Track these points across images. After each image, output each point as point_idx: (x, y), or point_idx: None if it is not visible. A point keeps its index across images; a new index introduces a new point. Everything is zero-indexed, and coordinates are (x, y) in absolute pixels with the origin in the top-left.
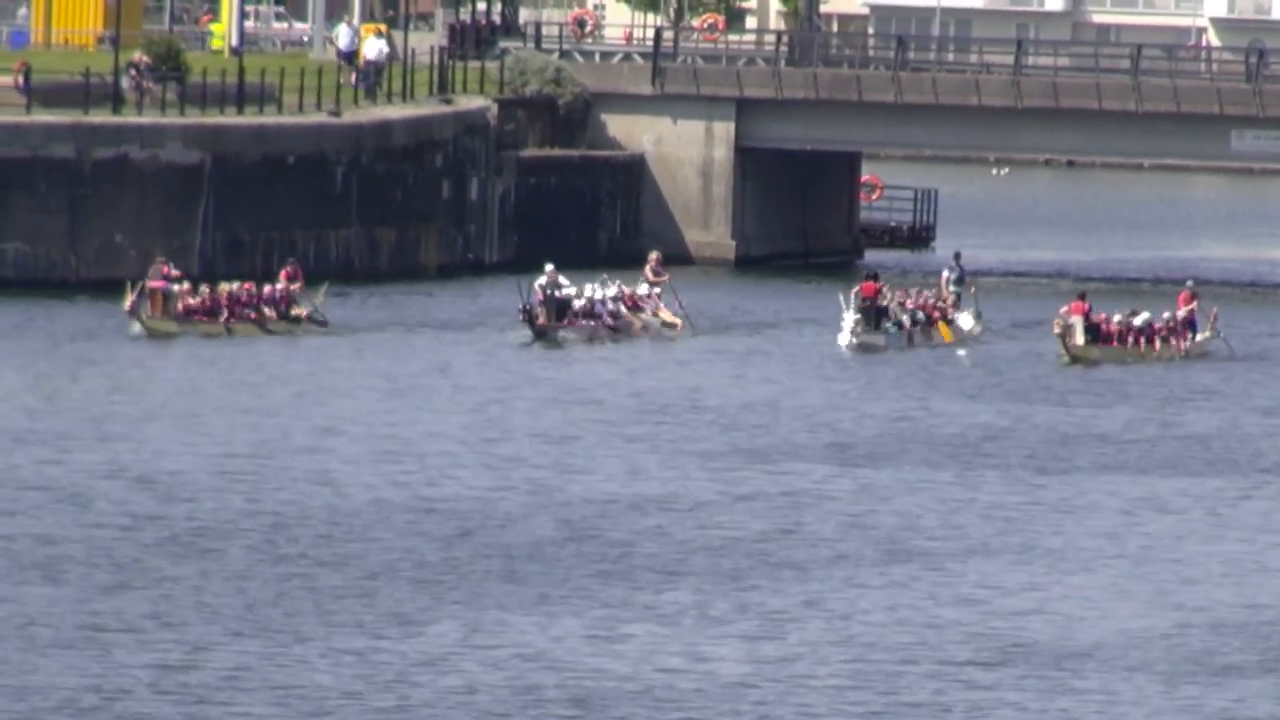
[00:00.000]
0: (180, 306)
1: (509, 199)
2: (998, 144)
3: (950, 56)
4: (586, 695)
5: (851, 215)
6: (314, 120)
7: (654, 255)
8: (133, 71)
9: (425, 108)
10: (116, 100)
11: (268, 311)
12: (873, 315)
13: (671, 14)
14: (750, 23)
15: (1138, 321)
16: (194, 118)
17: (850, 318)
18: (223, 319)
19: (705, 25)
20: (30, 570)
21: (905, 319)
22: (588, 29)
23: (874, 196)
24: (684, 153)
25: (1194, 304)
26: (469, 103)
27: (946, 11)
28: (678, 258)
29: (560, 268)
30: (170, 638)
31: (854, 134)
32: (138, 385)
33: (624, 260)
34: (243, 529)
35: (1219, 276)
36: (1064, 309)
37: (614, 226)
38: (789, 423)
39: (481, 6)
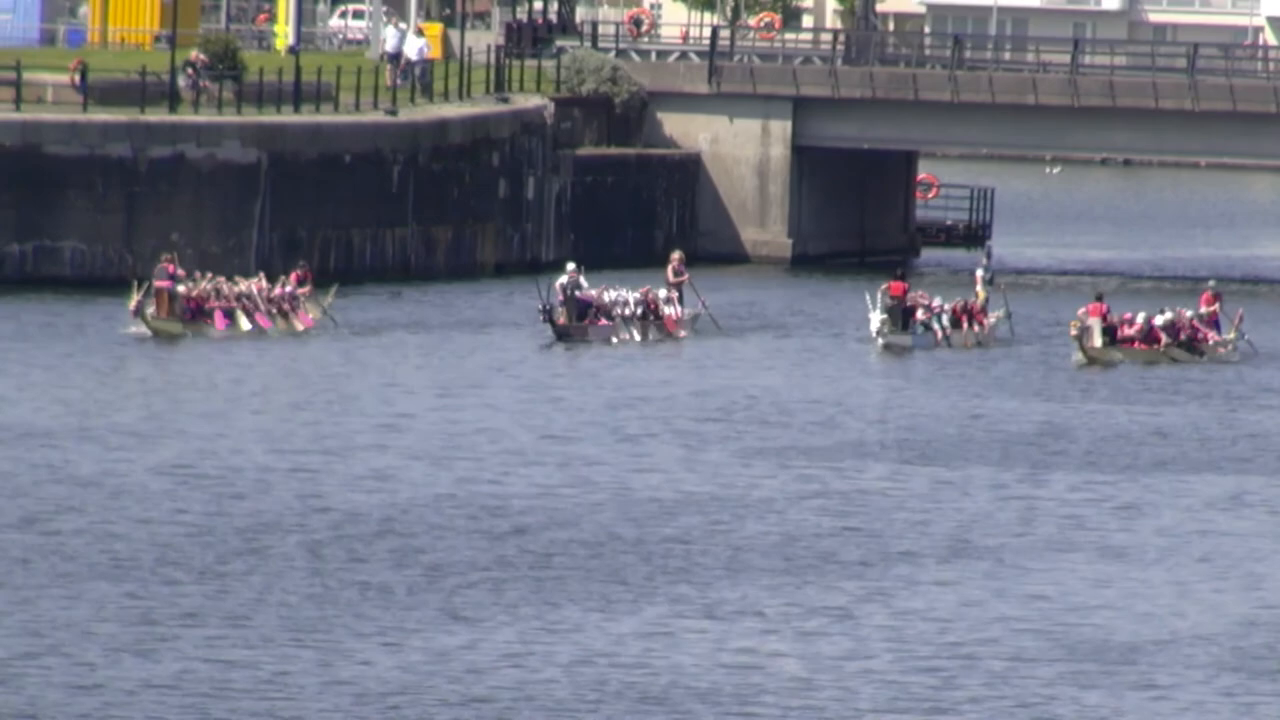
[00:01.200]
0: (185, 305)
1: (565, 198)
2: (1054, 143)
3: (1007, 55)
4: (650, 692)
5: (907, 214)
6: (370, 119)
7: (676, 255)
8: (189, 70)
9: (482, 106)
10: (173, 99)
11: (279, 313)
12: (900, 315)
13: (728, 13)
14: (807, 21)
15: (1159, 321)
16: (250, 116)
17: (876, 317)
18: (221, 320)
19: (762, 24)
20: (95, 566)
21: (934, 321)
22: (644, 28)
23: (930, 195)
24: (740, 151)
25: (1216, 305)
26: (526, 102)
27: (1003, 10)
28: (734, 256)
29: (616, 266)
30: (232, 633)
31: (910, 133)
32: (186, 384)
33: None
34: (306, 526)
35: (1276, 275)
36: (1081, 310)
37: (670, 225)
38: (843, 420)
39: (538, 5)
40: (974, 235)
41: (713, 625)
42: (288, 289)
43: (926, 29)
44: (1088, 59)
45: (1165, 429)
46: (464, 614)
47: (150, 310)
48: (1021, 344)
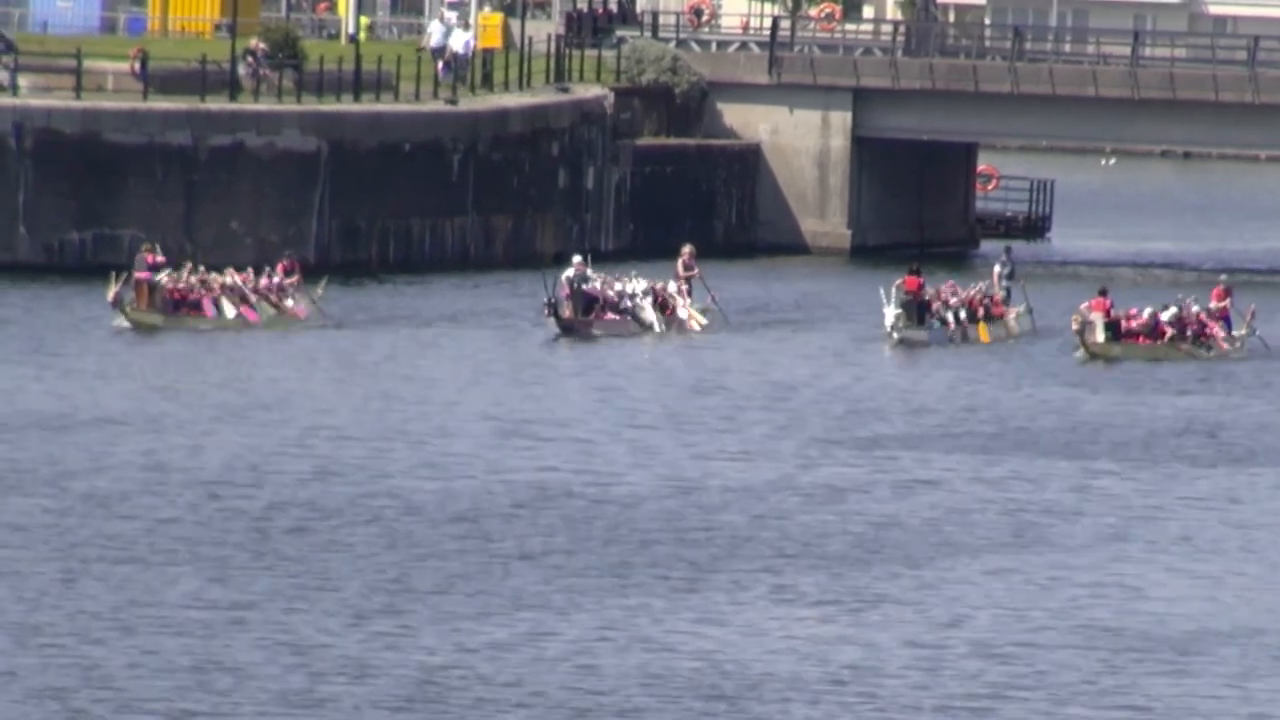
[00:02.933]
0: (165, 297)
1: (625, 188)
2: (1114, 135)
3: (1067, 47)
4: (709, 679)
5: (967, 205)
6: (430, 108)
7: (686, 249)
8: (250, 59)
9: (542, 96)
10: (233, 87)
11: (265, 305)
12: (915, 310)
13: (789, 3)
14: (867, 12)
15: (1165, 316)
16: (310, 105)
17: (891, 312)
18: (208, 304)
19: (822, 15)
20: (154, 553)
21: (950, 315)
22: (704, 18)
23: (990, 187)
24: (800, 142)
25: (1228, 300)
26: (586, 91)
27: (1064, 2)
28: (793, 247)
29: (675, 257)
30: (294, 620)
31: (970, 124)
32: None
33: (740, 250)
34: (370, 514)
35: None
36: (1084, 305)
37: (729, 216)
38: (882, 411)
39: None
40: (1034, 227)
41: (772, 612)
42: (275, 280)
43: (987, 20)
44: (1148, 51)
45: (1210, 423)
46: (524, 600)
47: (130, 302)
48: (1044, 338)
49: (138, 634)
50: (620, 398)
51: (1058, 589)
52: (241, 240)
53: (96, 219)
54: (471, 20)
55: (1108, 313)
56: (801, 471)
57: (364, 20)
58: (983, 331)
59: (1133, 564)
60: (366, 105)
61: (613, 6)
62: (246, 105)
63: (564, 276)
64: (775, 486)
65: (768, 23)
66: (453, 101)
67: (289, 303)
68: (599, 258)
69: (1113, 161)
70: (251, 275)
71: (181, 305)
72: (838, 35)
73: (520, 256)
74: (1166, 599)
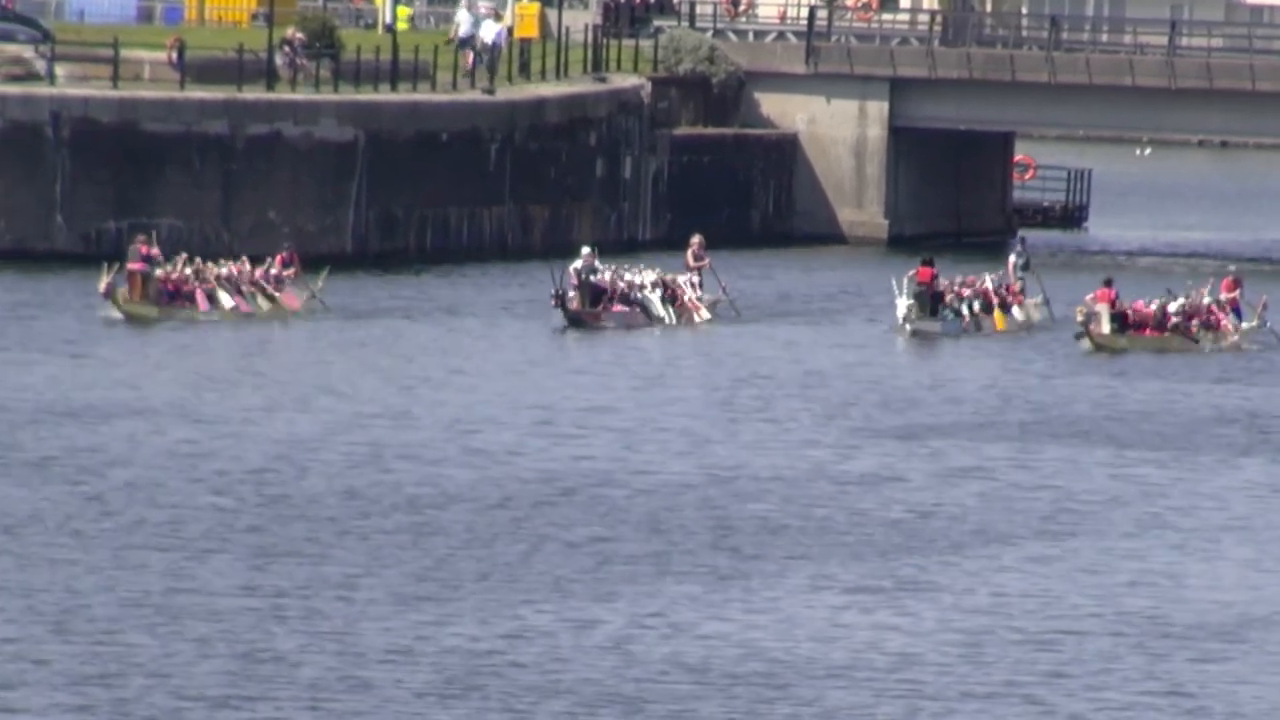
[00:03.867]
0: (159, 288)
1: (662, 177)
2: (1150, 125)
3: (1104, 37)
4: (746, 667)
5: (1004, 195)
6: (468, 98)
7: (696, 239)
8: (287, 48)
9: (579, 86)
10: (270, 77)
11: (262, 296)
12: (928, 301)
13: None
14: (904, 2)
15: (1172, 308)
16: (348, 95)
17: (903, 304)
18: (201, 304)
19: (859, 4)
20: (195, 540)
21: (964, 306)
22: (741, 8)
23: (1027, 176)
24: (837, 132)
25: (1237, 291)
26: (623, 81)
27: None
28: (830, 237)
29: (713, 246)
30: (335, 607)
31: (1007, 114)
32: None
33: (777, 240)
34: (406, 502)
35: None
36: (1089, 296)
37: (767, 205)
38: (905, 401)
39: None
40: (1071, 217)
41: (810, 600)
42: (272, 271)
43: (1024, 10)
44: (1185, 40)
45: (1245, 411)
46: (564, 588)
47: (123, 293)
48: (1061, 328)
49: (180, 621)
50: (646, 388)
51: (1097, 576)
52: (279, 230)
53: (133, 208)
54: (502, 10)
55: (1113, 303)
56: (833, 460)
57: (405, 11)
58: (999, 320)
59: (1172, 551)
60: (404, 95)
61: None
62: (284, 95)
63: (572, 268)
64: (808, 475)
65: (805, 12)
66: (490, 91)
67: (283, 293)
68: (636, 247)
69: (1148, 151)
70: (247, 266)
71: (176, 296)
72: (875, 25)
73: (558, 246)
74: (1208, 586)
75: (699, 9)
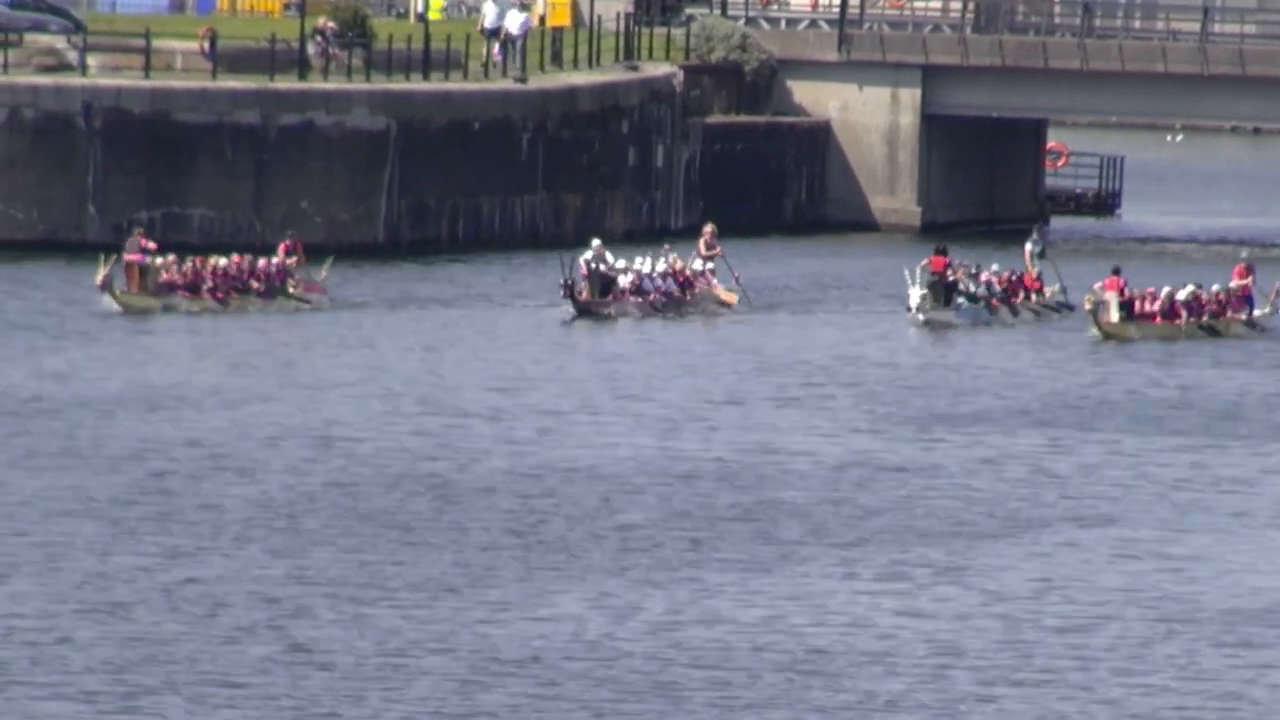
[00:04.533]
0: (163, 279)
1: (694, 165)
2: (1183, 111)
3: (1136, 23)
4: (785, 654)
5: (1037, 182)
6: (500, 86)
7: (708, 228)
8: (319, 38)
9: (611, 74)
10: (302, 66)
11: (255, 286)
12: (941, 291)
13: None
14: None
15: (1181, 295)
16: (380, 84)
17: (916, 293)
18: (206, 290)
19: None
20: (230, 529)
21: (981, 291)
22: None
23: (1059, 163)
24: (870, 119)
25: (1250, 278)
26: (655, 69)
27: None
28: (863, 224)
29: (746, 234)
30: (374, 595)
31: (1039, 101)
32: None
33: (810, 227)
34: (439, 491)
35: None
36: (1097, 285)
37: (799, 193)
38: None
39: None
40: (1104, 203)
41: (848, 586)
42: (274, 261)
43: None
44: (1217, 27)
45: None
46: (604, 575)
47: (120, 285)
48: (1079, 316)
49: (219, 608)
50: (665, 378)
51: (1133, 562)
52: (311, 219)
53: (166, 198)
54: (532, 1)
55: (1121, 292)
56: (864, 448)
57: (439, 1)
58: (1014, 310)
59: (1209, 536)
60: (436, 84)
61: None
62: (316, 84)
63: (582, 258)
64: (835, 464)
65: (837, 0)
66: (522, 80)
67: (289, 284)
68: (669, 235)
69: (1179, 138)
70: (248, 260)
71: (175, 289)
72: (907, 12)
73: (590, 234)
74: (1245, 571)
75: None
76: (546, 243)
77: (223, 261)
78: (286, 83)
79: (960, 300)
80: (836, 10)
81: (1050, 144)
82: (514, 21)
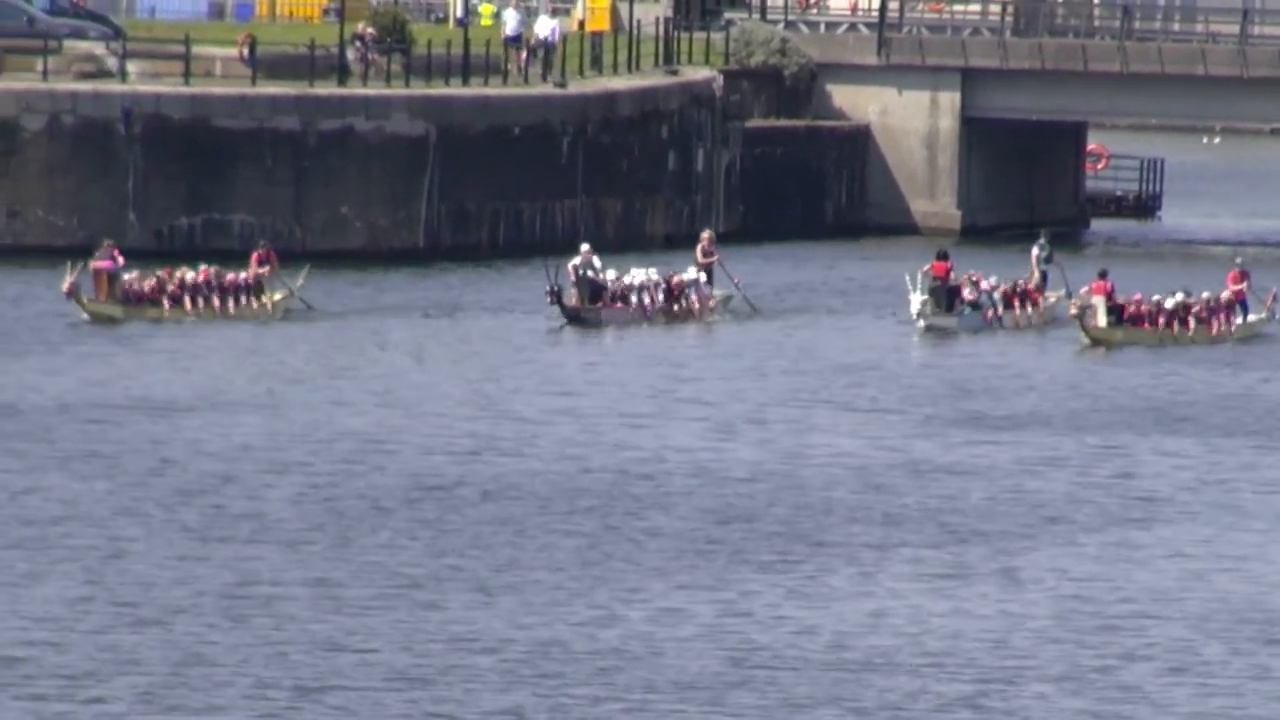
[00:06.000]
0: (125, 289)
1: (735, 170)
2: (1223, 113)
3: (1176, 26)
4: (827, 655)
5: (1077, 185)
6: (539, 91)
7: (706, 234)
8: (358, 43)
9: (651, 79)
10: (342, 72)
11: (233, 299)
12: (943, 296)
13: None
14: None
15: (1169, 303)
16: (419, 89)
17: (917, 299)
18: (168, 305)
19: None
20: (266, 533)
21: (984, 300)
22: (814, 0)
23: (1100, 166)
24: (909, 123)
25: (1244, 283)
26: (694, 74)
27: None
28: (903, 227)
29: (787, 238)
30: (412, 599)
31: (1079, 104)
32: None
33: (850, 231)
34: (478, 493)
35: None
36: (1084, 289)
37: (839, 196)
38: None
39: None
40: (1144, 206)
41: (888, 587)
42: (243, 275)
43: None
44: (1257, 29)
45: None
46: (643, 576)
47: (87, 293)
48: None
49: (257, 611)
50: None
51: (1177, 562)
52: (351, 225)
53: (205, 204)
54: (572, 6)
55: (1110, 296)
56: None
57: (489, 9)
58: (1020, 318)
59: (1252, 537)
60: (475, 89)
61: None
62: (355, 90)
63: (571, 265)
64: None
65: (876, 4)
66: (562, 85)
67: (263, 296)
68: None
69: (1218, 140)
70: (214, 271)
71: (142, 299)
72: (946, 16)
73: (631, 239)
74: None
75: (770, 1)
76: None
77: (190, 273)
78: (326, 88)
79: (963, 307)
80: (876, 14)
81: (1090, 146)
82: (544, 27)
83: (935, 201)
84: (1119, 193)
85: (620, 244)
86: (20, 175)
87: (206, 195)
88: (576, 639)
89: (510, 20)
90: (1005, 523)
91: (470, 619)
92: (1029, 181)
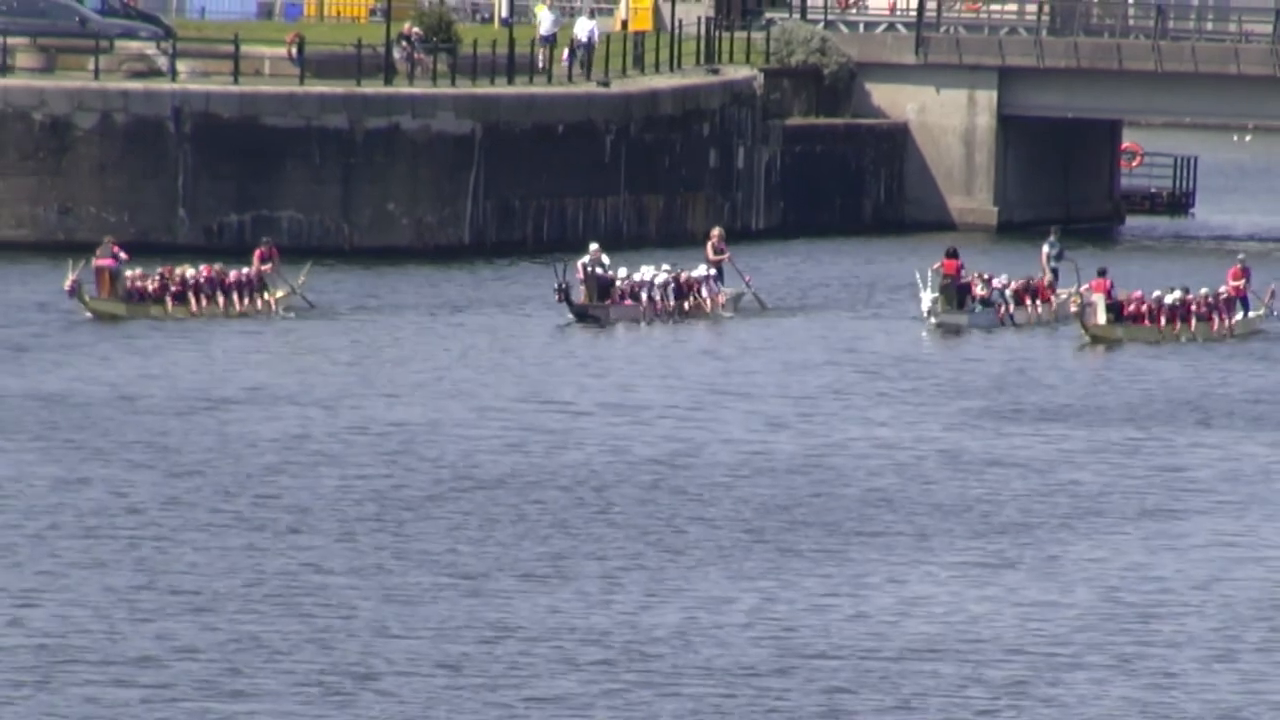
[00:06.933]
0: (128, 287)
1: (775, 167)
2: (1256, 112)
3: (1209, 25)
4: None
5: (1112, 182)
6: (583, 90)
7: (716, 232)
8: (404, 43)
9: (692, 78)
10: (388, 71)
11: (235, 296)
12: (954, 293)
13: None
14: None
15: (1169, 299)
16: (465, 88)
17: (928, 297)
18: (170, 303)
19: None
20: (322, 523)
21: (995, 297)
22: (853, 0)
23: (1134, 164)
24: (947, 121)
25: (1244, 280)
26: (735, 73)
27: None
28: (941, 224)
29: (826, 234)
30: (459, 589)
31: (1114, 102)
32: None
33: (889, 227)
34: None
35: None
36: (1084, 286)
37: (878, 194)
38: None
39: None
40: (1178, 203)
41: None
42: (245, 271)
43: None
44: None
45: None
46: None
47: (90, 290)
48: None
49: (310, 602)
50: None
51: (1207, 551)
52: (398, 221)
53: (255, 202)
54: (615, 6)
55: (1109, 294)
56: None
57: (540, 8)
58: (1032, 314)
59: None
60: (520, 88)
61: None
62: (402, 89)
63: (580, 262)
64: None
65: (914, 3)
66: (605, 84)
67: (265, 294)
68: (750, 236)
69: (1249, 138)
70: (215, 270)
71: (145, 297)
72: (983, 15)
73: (672, 235)
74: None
75: (810, 1)
76: (630, 243)
77: (191, 271)
78: (373, 87)
79: (974, 304)
80: (914, 14)
81: (1125, 144)
82: (583, 29)
83: (972, 198)
84: (1153, 190)
85: (662, 240)
86: (73, 173)
87: (255, 193)
88: (608, 629)
89: (545, 20)
90: (1042, 513)
91: (514, 607)
92: (1064, 179)
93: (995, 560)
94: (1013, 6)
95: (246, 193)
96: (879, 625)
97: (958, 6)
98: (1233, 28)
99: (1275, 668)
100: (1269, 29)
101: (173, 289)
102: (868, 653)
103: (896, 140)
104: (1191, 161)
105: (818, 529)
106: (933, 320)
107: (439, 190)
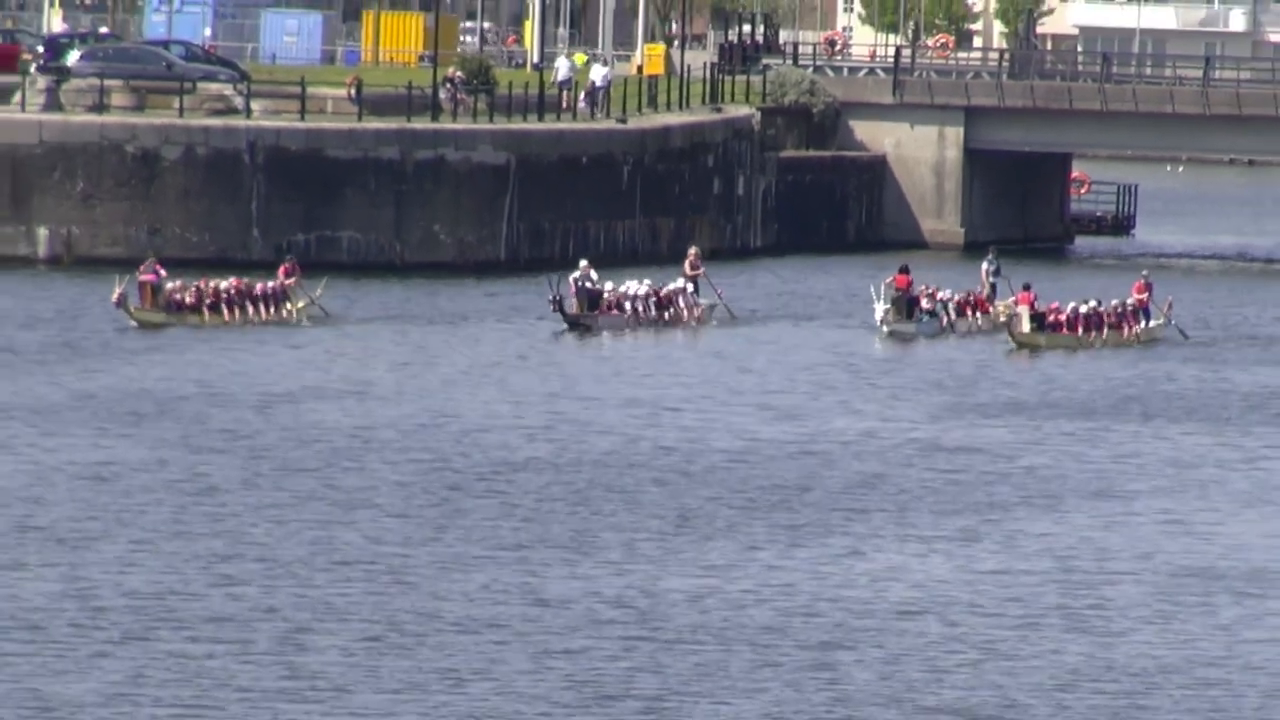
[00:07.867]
0: (168, 298)
1: (770, 193)
2: (1189, 145)
3: (1148, 71)
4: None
5: (1063, 207)
6: (604, 126)
7: (692, 250)
8: (449, 85)
9: (699, 115)
10: (435, 109)
11: (262, 306)
12: (905, 305)
13: (909, 34)
14: (976, 41)
15: (1084, 309)
16: (501, 124)
17: (881, 308)
18: (207, 313)
19: (938, 44)
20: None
21: (939, 309)
22: (838, 48)
23: (1082, 191)
24: (920, 153)
25: (1147, 294)
26: (736, 111)
27: (1145, 32)
28: (914, 243)
29: (814, 253)
30: (507, 558)
31: (1065, 137)
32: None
33: (869, 246)
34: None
35: None
36: (1010, 299)
37: (860, 217)
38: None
39: (747, 29)
40: (1121, 225)
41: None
42: (270, 284)
43: (1079, 48)
44: (1217, 73)
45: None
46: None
47: (134, 302)
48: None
49: (366, 576)
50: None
51: (1148, 529)
52: (443, 241)
53: (318, 223)
54: (631, 53)
55: (1032, 305)
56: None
57: (581, 58)
58: (971, 324)
59: (1212, 508)
60: (549, 124)
61: (759, 38)
62: (446, 125)
63: (572, 277)
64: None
65: (892, 51)
66: (623, 121)
67: (287, 304)
68: (749, 254)
69: (1181, 169)
70: (244, 282)
71: (183, 307)
72: (951, 61)
73: (682, 253)
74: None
75: (801, 49)
76: (644, 259)
77: (224, 283)
78: (421, 123)
79: (921, 315)
80: (891, 60)
81: (1075, 174)
82: (598, 75)
83: (942, 221)
84: (1099, 214)
85: (673, 257)
86: (160, 198)
87: (319, 215)
88: (632, 603)
89: (561, 68)
90: (1001, 493)
91: (549, 573)
92: (1022, 204)
93: (962, 535)
94: (977, 54)
95: (311, 215)
96: (866, 590)
97: (929, 54)
98: (1168, 72)
99: (1206, 626)
100: (1199, 74)
101: (208, 300)
102: (857, 612)
103: (876, 170)
104: (1133, 189)
105: (806, 508)
106: (885, 329)
107: (479, 213)
